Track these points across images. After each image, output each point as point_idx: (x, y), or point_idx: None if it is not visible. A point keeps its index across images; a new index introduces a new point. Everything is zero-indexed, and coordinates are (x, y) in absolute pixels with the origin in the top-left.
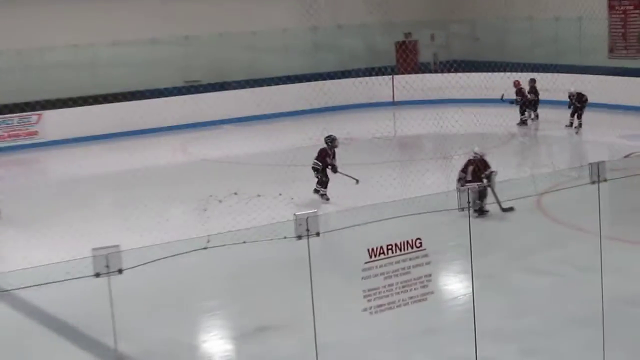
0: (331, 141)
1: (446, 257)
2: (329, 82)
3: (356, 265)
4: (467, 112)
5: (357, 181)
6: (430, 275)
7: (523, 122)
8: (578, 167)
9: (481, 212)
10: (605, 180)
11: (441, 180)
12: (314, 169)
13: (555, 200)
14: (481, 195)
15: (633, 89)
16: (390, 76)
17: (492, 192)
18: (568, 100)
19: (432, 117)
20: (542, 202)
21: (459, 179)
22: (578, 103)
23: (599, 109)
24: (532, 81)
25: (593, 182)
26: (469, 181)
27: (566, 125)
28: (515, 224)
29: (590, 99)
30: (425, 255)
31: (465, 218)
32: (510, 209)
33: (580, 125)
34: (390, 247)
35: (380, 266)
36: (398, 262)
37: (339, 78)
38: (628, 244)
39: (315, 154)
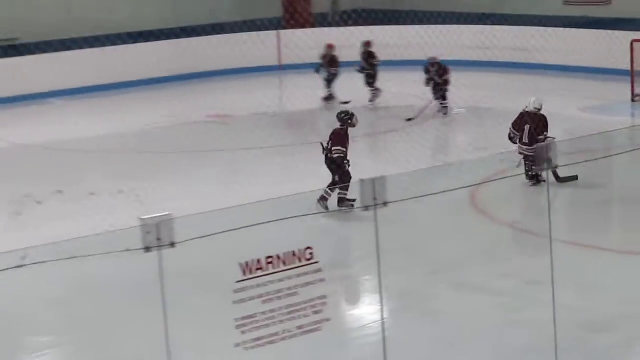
0: (350, 117)
1: (349, 272)
2: (193, 41)
3: (225, 285)
4: (381, 79)
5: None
6: (325, 297)
7: (327, 99)
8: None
9: (537, 179)
10: (556, 167)
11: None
12: (334, 163)
13: (494, 194)
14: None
15: (596, 44)
16: (276, 31)
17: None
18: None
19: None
20: (478, 196)
21: (511, 138)
22: (439, 78)
23: (553, 72)
24: (367, 45)
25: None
26: (525, 144)
27: (408, 119)
28: (444, 226)
29: (543, 59)
30: (319, 271)
31: (371, 221)
32: (573, 177)
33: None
34: (270, 260)
35: (258, 286)
36: (282, 280)
37: (207, 34)
38: (589, 251)
39: (328, 140)
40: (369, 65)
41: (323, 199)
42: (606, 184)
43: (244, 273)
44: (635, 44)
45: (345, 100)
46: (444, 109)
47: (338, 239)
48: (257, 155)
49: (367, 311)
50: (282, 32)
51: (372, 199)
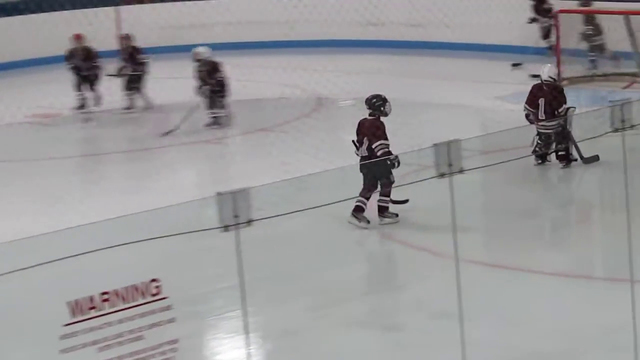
0: (383, 102)
1: (207, 308)
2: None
3: (50, 329)
4: (239, 65)
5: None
6: (176, 340)
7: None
8: (417, 151)
9: (568, 160)
10: (461, 171)
11: (193, 178)
12: (376, 163)
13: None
14: (562, 137)
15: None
16: (114, 7)
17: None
18: None
19: (183, 75)
20: (369, 208)
21: (527, 116)
22: (209, 78)
23: (458, 53)
24: (126, 39)
25: (441, 175)
26: (542, 120)
27: (164, 133)
28: (328, 246)
29: (443, 37)
30: (168, 308)
31: (229, 240)
32: (595, 158)
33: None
34: (106, 296)
35: (92, 329)
36: (122, 321)
37: (9, 15)
38: (507, 273)
39: (359, 136)
40: (134, 64)
41: (359, 210)
42: (531, 189)
43: (74, 314)
44: (562, 17)
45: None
46: (218, 120)
47: (193, 267)
48: (91, 162)
49: (232, 357)
50: (121, 8)
51: (233, 216)
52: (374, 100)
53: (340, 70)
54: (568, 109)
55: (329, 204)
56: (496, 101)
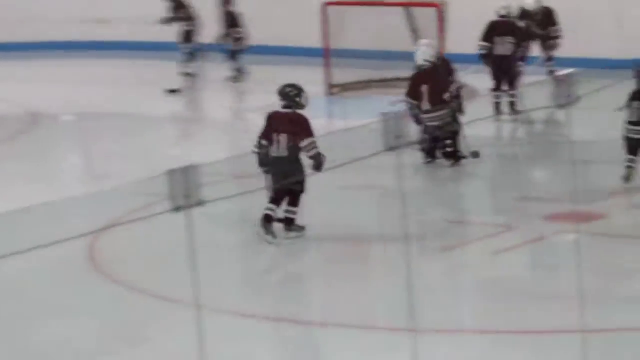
0: (299, 92)
1: None
2: None
3: None
4: None
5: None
6: None
7: None
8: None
9: (456, 157)
10: (200, 204)
11: None
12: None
13: (121, 245)
14: (448, 129)
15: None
16: None
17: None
18: None
19: None
20: (99, 250)
21: (410, 108)
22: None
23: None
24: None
25: (177, 209)
26: (428, 111)
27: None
28: (51, 298)
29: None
30: None
31: None
32: (475, 154)
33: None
34: None
35: None
36: None
37: None
38: (270, 324)
39: (275, 129)
40: None
41: (268, 221)
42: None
43: None
44: (330, 9)
45: None
46: None
47: None
48: None
49: None
50: None
51: None
52: (289, 89)
53: (57, 80)
54: (459, 88)
55: (45, 245)
56: (253, 113)
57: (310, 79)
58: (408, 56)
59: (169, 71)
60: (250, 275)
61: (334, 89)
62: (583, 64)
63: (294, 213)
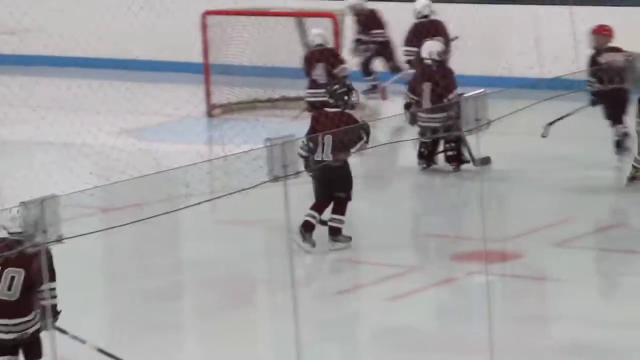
0: (348, 90)
1: None
2: None
3: None
4: None
5: None
6: None
7: None
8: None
9: (459, 161)
10: (60, 240)
11: None
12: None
13: None
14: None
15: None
16: None
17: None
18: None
19: None
20: None
21: (407, 105)
22: None
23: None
24: None
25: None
26: (427, 111)
27: None
28: None
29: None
30: None
31: None
32: (487, 160)
33: None
34: None
35: None
36: None
37: None
38: None
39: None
40: None
41: (308, 228)
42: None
43: None
44: (210, 18)
45: None
46: None
47: None
48: None
49: None
50: None
51: None
52: (336, 87)
53: None
54: (460, 95)
55: None
56: (110, 138)
57: (188, 98)
58: (298, 73)
59: None
60: (114, 322)
61: (215, 110)
62: (497, 83)
63: (340, 222)
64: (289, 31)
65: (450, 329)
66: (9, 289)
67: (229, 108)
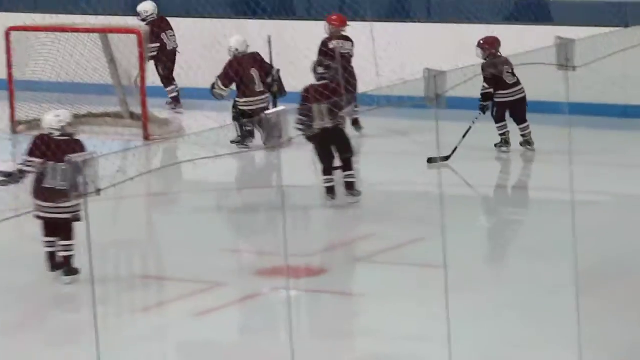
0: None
1: None
2: None
3: None
4: None
5: None
6: None
7: None
8: None
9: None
10: None
11: None
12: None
13: None
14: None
15: None
16: None
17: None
18: None
19: None
20: None
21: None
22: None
23: None
24: None
25: None
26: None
27: None
28: None
29: None
30: None
31: None
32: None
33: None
34: None
35: None
36: None
37: None
38: None
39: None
40: None
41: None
42: None
43: None
44: (15, 34)
45: None
46: None
47: None
48: None
49: None
50: None
51: None
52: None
53: None
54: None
55: None
56: None
57: None
58: (104, 89)
59: None
60: None
61: (20, 127)
62: None
63: (353, 177)
64: (92, 47)
65: (255, 344)
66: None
67: (34, 124)
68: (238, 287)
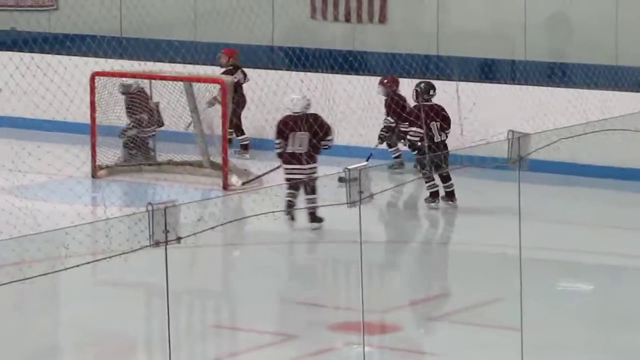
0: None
1: None
2: None
3: None
4: None
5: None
6: None
7: None
8: None
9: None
10: None
11: None
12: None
13: None
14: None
15: None
16: None
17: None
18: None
19: None
20: None
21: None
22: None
23: None
24: None
25: None
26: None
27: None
28: None
29: None
30: None
31: None
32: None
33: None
34: None
35: None
36: None
37: None
38: None
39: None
40: None
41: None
42: None
43: None
44: (99, 79)
45: None
46: None
47: None
48: None
49: None
50: None
51: None
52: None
53: None
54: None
55: None
56: (3, 195)
57: (72, 159)
58: (184, 137)
59: None
60: None
61: (100, 171)
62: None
63: (452, 186)
64: (176, 96)
65: None
66: (300, 145)
67: (114, 170)
68: (311, 340)
